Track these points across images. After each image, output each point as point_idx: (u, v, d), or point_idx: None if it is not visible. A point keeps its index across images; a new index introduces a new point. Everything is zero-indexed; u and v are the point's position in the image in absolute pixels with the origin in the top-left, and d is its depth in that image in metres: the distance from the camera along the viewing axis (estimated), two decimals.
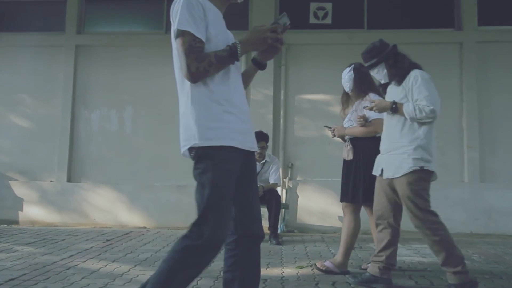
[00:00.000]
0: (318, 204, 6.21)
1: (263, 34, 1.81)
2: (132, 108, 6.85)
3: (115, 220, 6.47)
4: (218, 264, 3.78)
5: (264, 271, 3.42)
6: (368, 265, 3.44)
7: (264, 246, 4.72)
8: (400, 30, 6.56)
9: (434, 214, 2.91)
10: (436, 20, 6.68)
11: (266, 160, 5.36)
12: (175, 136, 6.98)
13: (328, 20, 6.68)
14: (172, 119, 6.69)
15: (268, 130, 5.99)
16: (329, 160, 6.27)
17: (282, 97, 6.58)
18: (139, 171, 6.66)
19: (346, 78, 3.61)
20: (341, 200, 3.60)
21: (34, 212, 6.59)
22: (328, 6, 6.68)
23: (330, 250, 4.57)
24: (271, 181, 5.30)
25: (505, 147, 6.26)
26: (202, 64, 1.71)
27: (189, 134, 1.78)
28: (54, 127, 6.83)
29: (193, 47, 1.72)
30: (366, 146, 3.41)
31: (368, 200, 3.36)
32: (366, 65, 3.21)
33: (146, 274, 3.36)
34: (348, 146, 3.58)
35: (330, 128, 3.81)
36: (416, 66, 3.04)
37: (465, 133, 6.29)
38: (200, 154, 1.76)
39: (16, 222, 6.55)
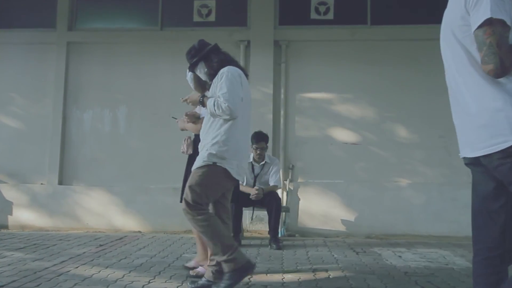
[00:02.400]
0: (320, 207, 6.11)
1: None
2: (126, 107, 6.71)
3: (108, 224, 6.35)
4: None
5: (264, 277, 3.42)
6: (189, 263, 3.59)
7: (264, 251, 4.69)
8: (404, 25, 6.43)
9: (201, 213, 2.87)
10: (442, 15, 6.50)
11: (266, 162, 5.28)
12: (171, 137, 6.79)
13: (330, 16, 6.57)
14: (168, 119, 6.51)
15: (268, 130, 5.87)
16: (331, 161, 6.21)
17: (282, 96, 6.44)
18: (134, 173, 6.53)
19: (188, 79, 3.64)
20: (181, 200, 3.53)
21: (24, 216, 6.46)
22: (330, 1, 6.58)
23: (333, 255, 4.49)
24: (271, 183, 5.20)
25: None
26: None
27: None
28: (45, 128, 6.69)
29: (503, 37, 1.58)
30: None
31: None
32: (189, 66, 3.30)
33: (141, 280, 3.28)
34: (188, 140, 3.70)
35: (176, 119, 3.89)
36: (229, 63, 3.08)
37: None
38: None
39: (6, 226, 6.43)
